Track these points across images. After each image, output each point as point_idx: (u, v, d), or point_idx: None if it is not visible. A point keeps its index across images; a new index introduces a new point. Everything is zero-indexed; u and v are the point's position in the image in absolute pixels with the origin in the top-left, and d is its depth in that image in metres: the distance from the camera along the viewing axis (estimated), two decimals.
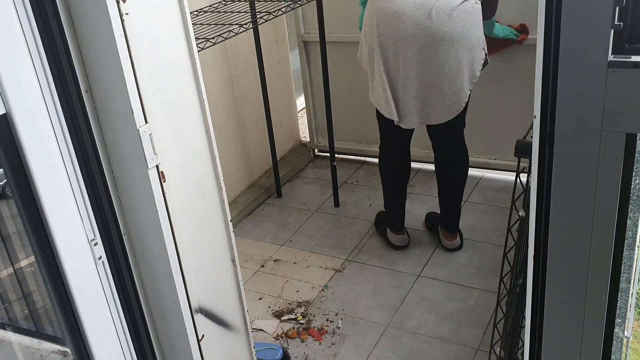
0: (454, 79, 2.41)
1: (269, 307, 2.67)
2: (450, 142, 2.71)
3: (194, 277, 1.43)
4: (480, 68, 2.47)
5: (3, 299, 1.56)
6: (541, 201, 0.97)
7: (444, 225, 2.89)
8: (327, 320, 2.55)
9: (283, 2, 2.81)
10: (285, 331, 2.51)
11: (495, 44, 2.91)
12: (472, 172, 3.48)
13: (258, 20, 2.67)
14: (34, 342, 1.51)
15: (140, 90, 1.21)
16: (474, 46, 2.41)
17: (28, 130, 1.10)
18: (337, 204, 3.39)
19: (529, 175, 1.46)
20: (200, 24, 2.57)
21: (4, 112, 1.06)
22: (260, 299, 2.72)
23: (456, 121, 2.54)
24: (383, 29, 2.39)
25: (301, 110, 4.19)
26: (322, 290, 2.74)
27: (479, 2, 2.42)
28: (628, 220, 0.98)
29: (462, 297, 2.59)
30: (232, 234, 1.54)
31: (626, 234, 1.00)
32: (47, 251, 1.19)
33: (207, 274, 1.48)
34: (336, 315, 2.57)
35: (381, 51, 2.42)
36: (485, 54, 2.48)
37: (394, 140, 2.72)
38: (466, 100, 2.49)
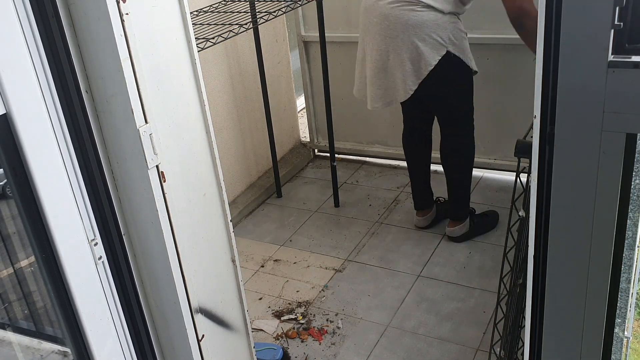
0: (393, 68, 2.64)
1: (269, 307, 2.67)
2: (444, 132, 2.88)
3: (194, 277, 1.43)
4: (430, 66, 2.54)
5: (3, 299, 1.56)
6: (541, 201, 0.97)
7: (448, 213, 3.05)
8: (327, 320, 2.55)
9: (283, 2, 2.81)
10: (285, 331, 2.51)
11: None
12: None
13: (258, 20, 2.67)
14: (34, 342, 1.51)
15: (140, 90, 1.21)
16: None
17: (28, 130, 1.10)
18: (337, 204, 3.39)
19: (529, 175, 1.46)
20: (200, 24, 2.57)
21: (4, 112, 1.06)
22: (260, 299, 2.72)
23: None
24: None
25: (301, 110, 4.19)
26: (322, 290, 2.74)
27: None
28: (628, 220, 0.98)
29: (462, 297, 2.59)
30: (232, 234, 1.54)
31: (626, 234, 1.00)
32: (47, 251, 1.19)
33: (207, 274, 1.48)
34: (336, 315, 2.57)
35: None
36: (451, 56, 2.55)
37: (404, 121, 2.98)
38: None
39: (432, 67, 2.54)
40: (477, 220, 2.97)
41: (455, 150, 2.83)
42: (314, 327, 2.52)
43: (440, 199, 3.11)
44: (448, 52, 2.53)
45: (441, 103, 2.76)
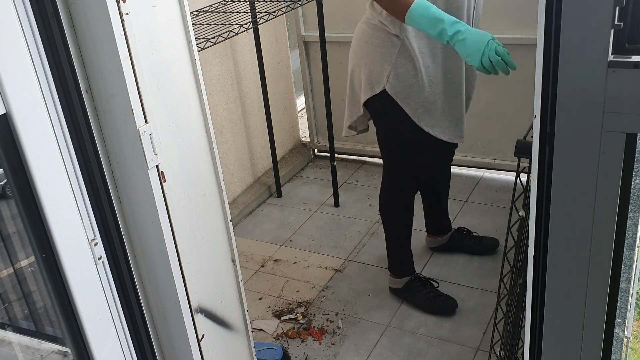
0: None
1: (269, 307, 2.67)
2: None
3: (194, 277, 1.43)
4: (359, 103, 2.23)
5: (3, 299, 1.56)
6: (541, 201, 0.97)
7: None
8: (327, 320, 2.55)
9: (283, 2, 2.81)
10: (285, 331, 2.51)
11: None
12: (472, 172, 3.51)
13: (258, 20, 2.67)
14: (34, 342, 1.51)
15: (140, 90, 1.21)
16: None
17: (28, 130, 1.10)
18: (337, 204, 3.39)
19: (529, 175, 1.46)
20: (200, 24, 2.57)
21: (4, 112, 1.06)
22: (260, 299, 2.72)
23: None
24: None
25: (301, 110, 4.19)
26: (322, 290, 2.74)
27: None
28: (628, 220, 0.98)
29: (462, 297, 2.59)
30: (232, 234, 1.54)
31: (626, 234, 1.00)
32: (47, 251, 1.19)
33: (207, 274, 1.48)
34: (336, 315, 2.57)
35: None
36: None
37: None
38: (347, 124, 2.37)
39: (362, 104, 2.22)
40: (417, 293, 2.54)
41: (382, 200, 2.51)
42: (314, 327, 2.52)
43: (464, 229, 2.85)
44: (384, 92, 2.13)
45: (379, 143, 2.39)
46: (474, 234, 2.85)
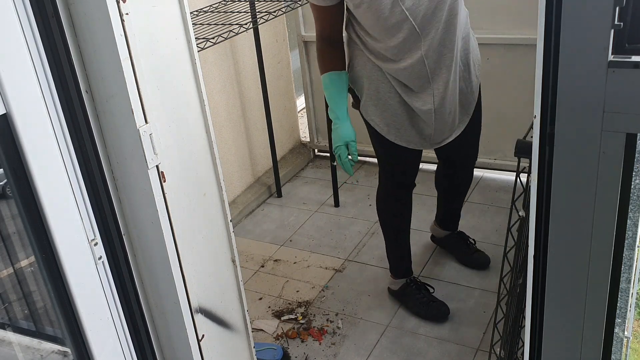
0: None
1: (269, 307, 2.67)
2: None
3: (194, 277, 1.43)
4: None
5: (3, 299, 1.56)
6: (541, 201, 0.97)
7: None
8: (327, 320, 2.55)
9: (283, 2, 2.81)
10: (285, 331, 2.51)
11: None
12: None
13: (258, 20, 2.67)
14: (34, 342, 1.51)
15: (140, 90, 1.21)
16: None
17: (28, 130, 1.10)
18: (337, 204, 3.39)
19: (529, 175, 1.46)
20: (200, 24, 2.58)
21: (4, 112, 1.06)
22: (260, 299, 2.72)
23: None
24: None
25: (301, 110, 4.19)
26: (322, 290, 2.74)
27: None
28: (628, 220, 0.98)
29: (462, 297, 2.59)
30: (232, 234, 1.54)
31: (626, 234, 1.00)
32: (47, 251, 1.19)
33: (207, 274, 1.48)
34: (336, 315, 2.57)
35: None
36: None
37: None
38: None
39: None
40: (411, 297, 2.54)
41: (377, 201, 2.53)
42: (314, 327, 2.52)
43: (464, 235, 2.83)
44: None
45: None
46: (471, 245, 2.80)
